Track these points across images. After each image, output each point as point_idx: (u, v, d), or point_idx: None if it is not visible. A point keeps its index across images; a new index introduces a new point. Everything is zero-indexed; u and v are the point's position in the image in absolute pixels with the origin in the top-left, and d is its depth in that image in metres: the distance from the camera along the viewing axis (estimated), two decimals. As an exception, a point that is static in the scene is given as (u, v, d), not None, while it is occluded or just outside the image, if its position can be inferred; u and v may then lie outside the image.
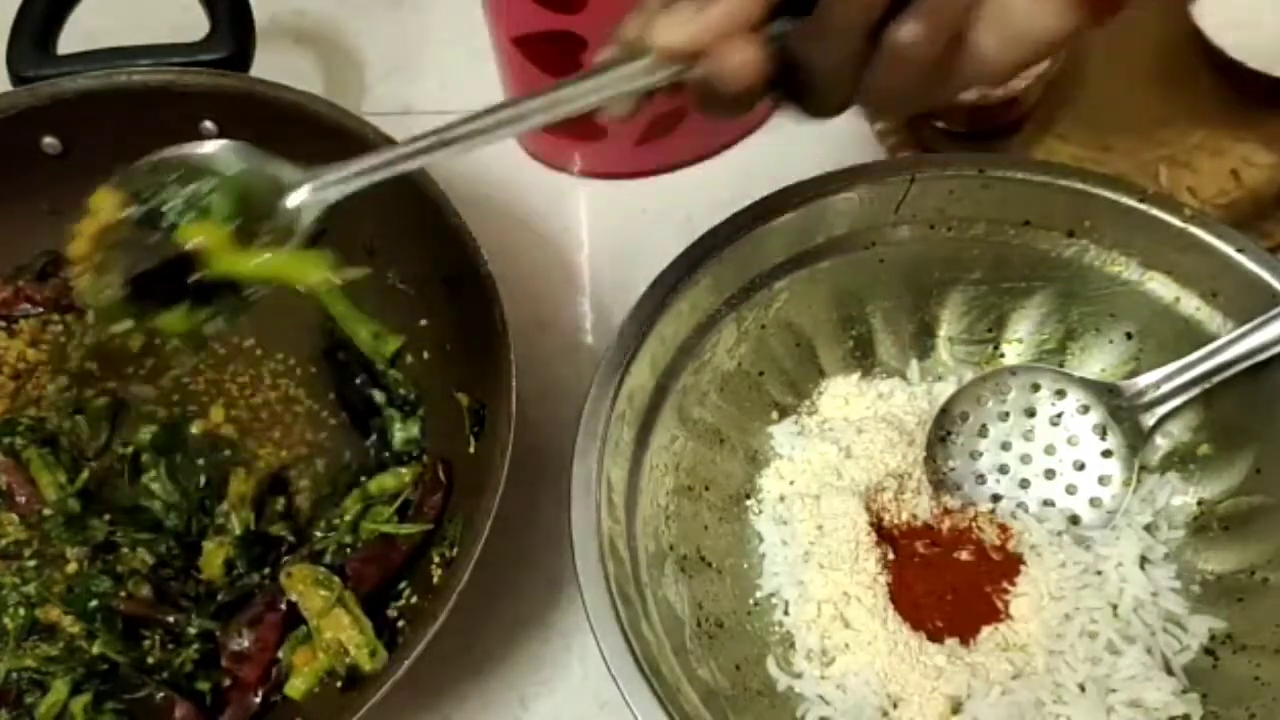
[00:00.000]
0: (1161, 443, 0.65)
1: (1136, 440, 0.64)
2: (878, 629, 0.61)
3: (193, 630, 0.65)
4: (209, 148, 0.53)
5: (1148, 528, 0.64)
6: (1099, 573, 0.62)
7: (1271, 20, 0.78)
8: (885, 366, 0.70)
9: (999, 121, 0.80)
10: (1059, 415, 0.65)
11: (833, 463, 0.66)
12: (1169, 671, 0.60)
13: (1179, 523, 0.64)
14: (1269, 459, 0.61)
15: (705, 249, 0.63)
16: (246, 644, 0.64)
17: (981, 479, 0.65)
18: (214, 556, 0.67)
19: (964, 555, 0.63)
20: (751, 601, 0.64)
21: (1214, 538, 0.63)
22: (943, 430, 0.66)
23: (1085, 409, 0.65)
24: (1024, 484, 0.65)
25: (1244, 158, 0.77)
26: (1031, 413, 0.66)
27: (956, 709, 0.60)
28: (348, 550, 0.67)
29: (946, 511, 0.65)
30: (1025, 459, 0.65)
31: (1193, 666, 0.60)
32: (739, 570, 0.65)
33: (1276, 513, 0.61)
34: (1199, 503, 0.64)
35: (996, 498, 0.65)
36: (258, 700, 0.64)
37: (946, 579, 0.63)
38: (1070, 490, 0.64)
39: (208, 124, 0.73)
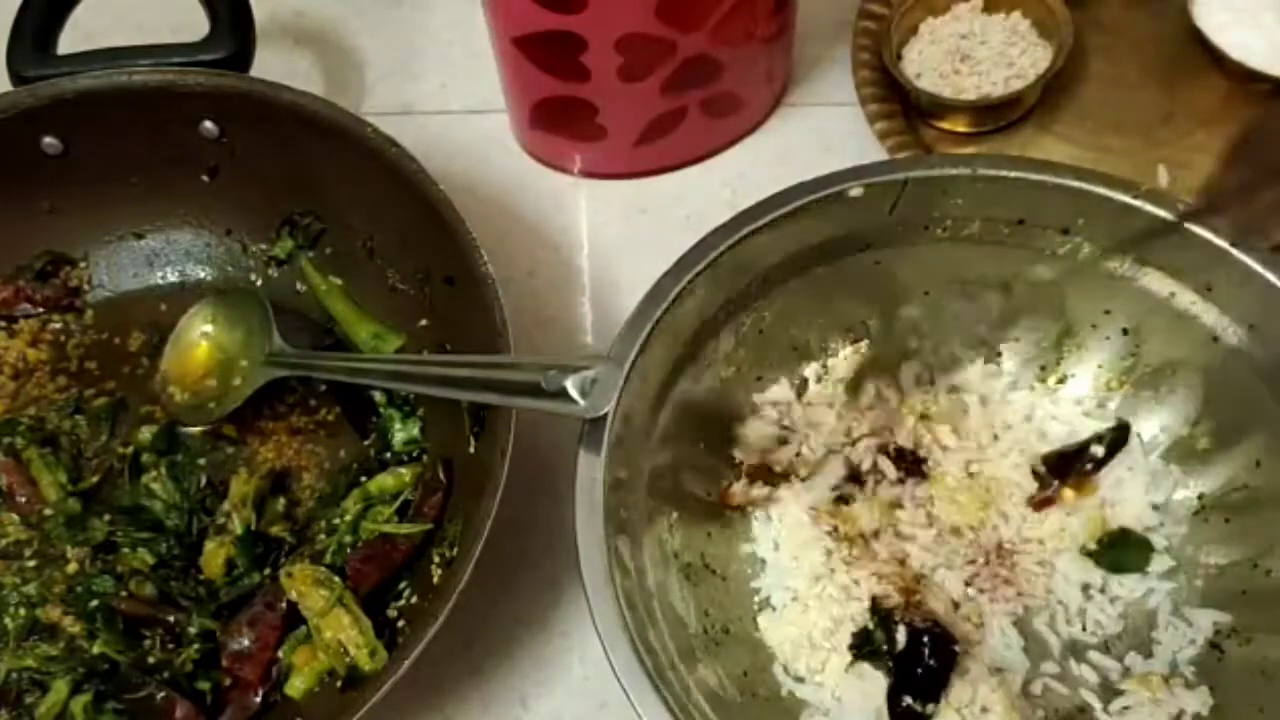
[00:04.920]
0: (1161, 437, 0.66)
1: None
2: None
3: (193, 630, 0.65)
4: None
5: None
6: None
7: (1271, 20, 0.78)
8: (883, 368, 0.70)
9: (999, 121, 0.80)
10: None
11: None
12: (1176, 665, 0.60)
13: (1181, 517, 0.64)
14: (1269, 451, 0.61)
15: (704, 252, 0.63)
16: (247, 643, 0.64)
17: None
18: (215, 556, 0.67)
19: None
20: (755, 607, 0.64)
21: (1216, 531, 0.63)
22: None
23: None
24: None
25: (1244, 157, 0.77)
26: None
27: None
28: (348, 550, 0.67)
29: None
30: None
31: (1199, 660, 0.60)
32: (742, 576, 0.65)
33: (1277, 505, 0.61)
34: (1199, 496, 0.64)
35: None
36: (258, 700, 0.64)
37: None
38: None
39: (208, 124, 0.73)
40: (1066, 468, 0.65)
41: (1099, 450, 0.65)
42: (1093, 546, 0.63)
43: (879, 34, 0.82)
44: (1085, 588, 0.63)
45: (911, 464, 0.66)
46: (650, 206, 0.82)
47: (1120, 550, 0.63)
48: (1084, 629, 0.62)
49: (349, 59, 0.91)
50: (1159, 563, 0.63)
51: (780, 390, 0.68)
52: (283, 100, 0.71)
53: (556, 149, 0.83)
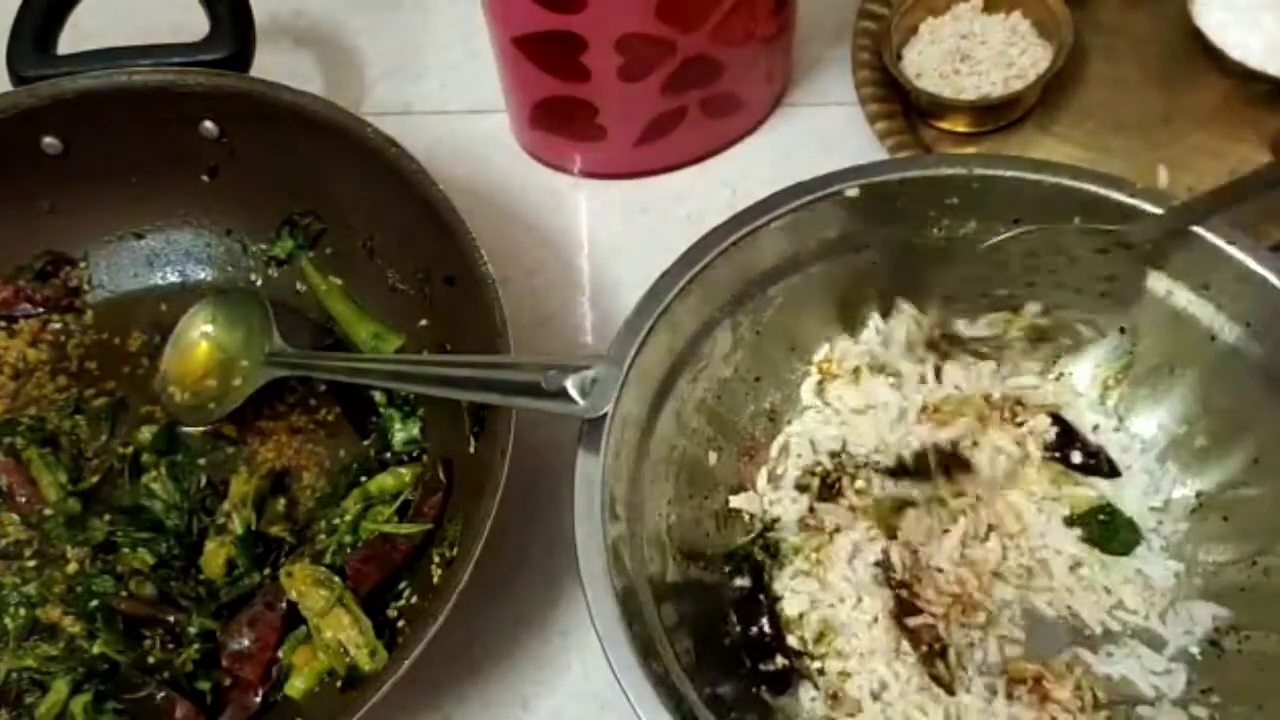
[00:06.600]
0: (1159, 436, 0.66)
1: None
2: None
3: (193, 630, 0.65)
4: None
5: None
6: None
7: (1271, 20, 0.78)
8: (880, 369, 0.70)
9: (999, 121, 0.80)
10: None
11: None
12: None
13: (1179, 515, 0.64)
14: (1266, 449, 0.61)
15: (702, 252, 0.63)
16: (247, 643, 0.64)
17: None
18: (215, 556, 0.67)
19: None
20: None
21: (1214, 529, 0.63)
22: None
23: None
24: None
25: (1244, 158, 0.77)
26: None
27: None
28: (348, 550, 0.67)
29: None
30: None
31: (1199, 658, 0.60)
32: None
33: (1276, 503, 0.61)
34: (1197, 494, 0.64)
35: None
36: (258, 700, 0.64)
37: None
38: None
39: (208, 124, 0.73)
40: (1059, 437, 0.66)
41: (1086, 460, 0.65)
42: (1080, 512, 0.64)
43: (879, 34, 0.82)
44: (1075, 565, 0.63)
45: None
46: (650, 206, 0.82)
47: (1107, 527, 0.63)
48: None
49: (349, 59, 0.91)
50: (1155, 561, 0.63)
51: (778, 395, 0.68)
52: (283, 100, 0.71)
53: (556, 149, 0.83)
